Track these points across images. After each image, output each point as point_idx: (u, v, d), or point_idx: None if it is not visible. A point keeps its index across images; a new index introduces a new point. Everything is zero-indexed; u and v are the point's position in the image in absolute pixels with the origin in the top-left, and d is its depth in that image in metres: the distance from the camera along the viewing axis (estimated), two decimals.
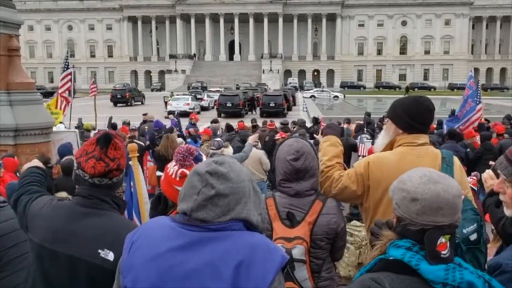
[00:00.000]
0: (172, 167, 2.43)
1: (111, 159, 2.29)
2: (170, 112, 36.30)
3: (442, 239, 1.65)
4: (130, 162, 3.70)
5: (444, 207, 1.67)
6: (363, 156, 10.14)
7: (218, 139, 8.38)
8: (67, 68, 14.94)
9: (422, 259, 1.65)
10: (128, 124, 15.59)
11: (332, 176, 2.90)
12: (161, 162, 9.86)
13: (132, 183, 4.08)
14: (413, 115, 2.78)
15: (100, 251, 2.15)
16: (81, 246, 2.16)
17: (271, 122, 13.80)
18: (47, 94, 62.58)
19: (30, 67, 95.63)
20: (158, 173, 9.97)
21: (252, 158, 8.62)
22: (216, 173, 1.65)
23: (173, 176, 2.38)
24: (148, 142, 11.19)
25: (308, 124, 20.16)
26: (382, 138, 2.99)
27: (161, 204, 2.49)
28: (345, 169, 2.99)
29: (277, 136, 10.38)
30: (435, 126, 14.09)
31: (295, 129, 13.62)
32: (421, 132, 2.83)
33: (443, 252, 1.65)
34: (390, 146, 2.90)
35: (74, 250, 2.17)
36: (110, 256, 2.14)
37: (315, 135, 9.55)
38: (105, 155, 2.28)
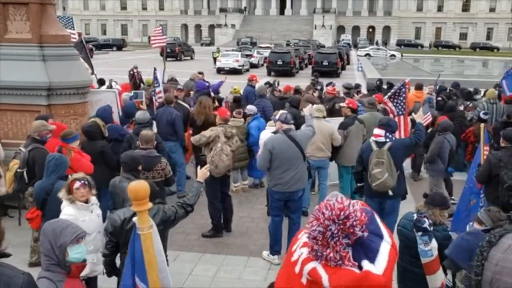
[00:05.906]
0: (299, 249, 1.21)
1: None
2: (219, 70, 35.34)
3: None
4: (139, 232, 2.72)
5: None
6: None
7: (284, 111, 6.72)
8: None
9: None
10: (176, 80, 14.42)
11: None
12: (194, 128, 9.19)
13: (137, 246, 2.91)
14: None
15: None
16: None
17: (333, 86, 12.06)
18: (100, 46, 63.31)
19: (84, 19, 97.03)
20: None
21: (323, 132, 7.31)
22: None
23: (296, 270, 1.17)
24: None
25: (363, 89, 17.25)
26: None
27: None
28: None
29: (344, 104, 8.36)
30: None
31: (360, 95, 11.67)
32: None
33: None
34: None
35: None
36: None
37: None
38: None
